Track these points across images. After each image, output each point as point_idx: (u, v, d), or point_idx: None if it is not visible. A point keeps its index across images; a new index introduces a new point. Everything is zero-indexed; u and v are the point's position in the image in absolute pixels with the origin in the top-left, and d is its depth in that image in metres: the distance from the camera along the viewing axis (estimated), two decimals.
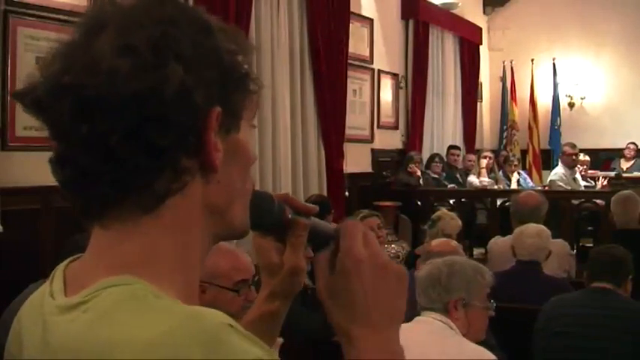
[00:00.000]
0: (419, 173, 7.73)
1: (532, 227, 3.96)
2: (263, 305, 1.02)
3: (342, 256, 0.87)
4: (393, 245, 5.82)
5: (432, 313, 2.40)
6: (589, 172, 8.80)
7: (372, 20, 7.63)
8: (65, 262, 0.80)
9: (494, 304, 2.47)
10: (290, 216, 0.95)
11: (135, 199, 0.72)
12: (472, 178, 8.62)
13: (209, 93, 0.73)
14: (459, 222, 4.52)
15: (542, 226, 3.99)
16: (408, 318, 2.41)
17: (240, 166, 0.79)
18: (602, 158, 9.99)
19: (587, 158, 8.75)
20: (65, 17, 4.17)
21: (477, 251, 7.02)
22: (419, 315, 2.43)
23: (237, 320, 0.71)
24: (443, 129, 9.50)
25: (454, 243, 3.48)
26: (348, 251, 0.86)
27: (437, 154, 8.56)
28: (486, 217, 7.38)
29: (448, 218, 4.47)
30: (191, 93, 0.72)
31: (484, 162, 8.91)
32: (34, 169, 3.94)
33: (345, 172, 6.68)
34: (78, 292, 0.71)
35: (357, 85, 7.32)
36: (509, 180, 8.95)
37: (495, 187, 8.48)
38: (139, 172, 0.71)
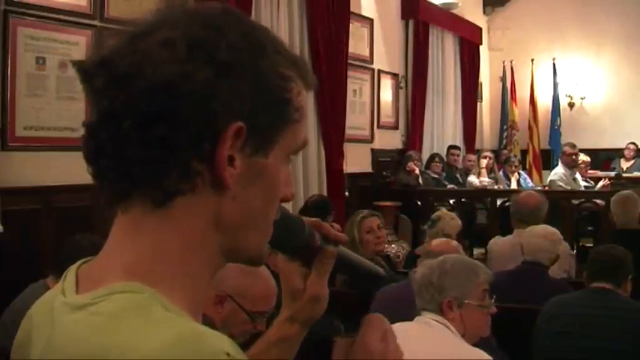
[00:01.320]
0: (417, 171, 7.74)
1: (540, 228, 3.94)
2: (282, 328, 1.02)
3: (356, 344, 0.89)
4: (393, 245, 5.82)
5: (428, 313, 2.39)
6: (589, 172, 8.80)
7: (372, 20, 7.64)
8: (78, 263, 0.80)
9: (493, 302, 2.45)
10: (319, 242, 0.95)
11: (145, 193, 0.73)
12: (472, 178, 8.63)
13: (236, 106, 0.72)
14: (459, 222, 4.52)
15: (554, 230, 3.93)
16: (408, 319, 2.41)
17: (263, 192, 0.77)
18: (602, 158, 10.00)
19: (587, 159, 8.75)
20: (65, 17, 4.17)
21: (477, 251, 7.02)
22: (418, 315, 2.43)
23: (237, 339, 0.70)
24: (443, 129, 9.50)
25: (454, 243, 3.47)
26: (363, 341, 0.89)
27: (437, 154, 8.57)
28: (486, 217, 7.38)
29: (448, 218, 4.47)
30: (213, 98, 0.71)
31: (484, 162, 8.92)
32: (34, 169, 3.95)
33: (345, 172, 6.68)
34: (89, 291, 0.72)
35: (357, 85, 7.33)
36: (510, 180, 8.95)
37: (495, 187, 8.48)
38: (146, 164, 0.71)
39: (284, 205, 0.85)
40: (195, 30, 0.73)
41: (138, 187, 0.73)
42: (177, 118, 0.70)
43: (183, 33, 0.73)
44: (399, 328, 2.09)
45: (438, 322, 2.35)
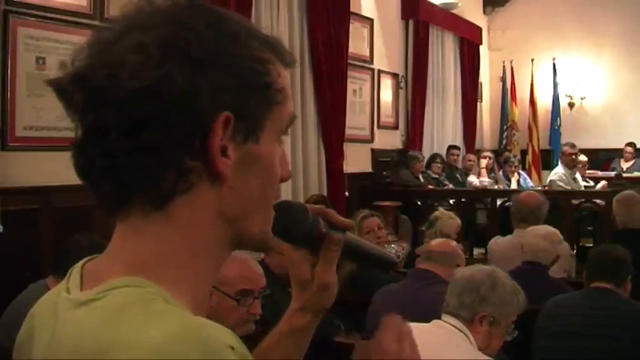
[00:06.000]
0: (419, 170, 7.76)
1: (540, 228, 3.94)
2: (294, 319, 1.01)
3: (372, 345, 0.91)
4: (393, 245, 5.81)
5: (451, 318, 2.38)
6: (588, 172, 8.79)
7: (372, 20, 7.63)
8: (83, 260, 0.81)
9: (516, 332, 2.44)
10: (324, 230, 0.94)
11: (143, 198, 0.73)
12: (472, 178, 8.63)
13: (220, 97, 0.73)
14: (458, 221, 4.52)
15: (554, 230, 3.93)
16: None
17: (260, 177, 0.78)
18: (602, 158, 9.99)
19: (585, 158, 8.74)
20: (65, 17, 4.17)
21: (477, 251, 7.02)
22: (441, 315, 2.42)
23: (237, 332, 0.70)
24: (443, 129, 9.49)
25: (454, 243, 3.48)
26: (378, 342, 0.91)
27: (438, 155, 8.58)
28: (486, 217, 7.38)
29: (446, 218, 4.47)
30: (196, 95, 0.71)
31: (484, 162, 8.92)
32: (34, 169, 3.95)
33: (345, 172, 6.68)
34: (93, 288, 0.72)
35: (357, 85, 7.32)
36: (509, 180, 8.95)
37: (495, 187, 8.48)
38: (140, 170, 0.71)
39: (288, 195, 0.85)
40: (164, 31, 0.73)
41: (135, 193, 0.73)
42: (163, 120, 0.70)
43: (153, 36, 0.72)
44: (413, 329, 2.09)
45: (459, 329, 2.34)
